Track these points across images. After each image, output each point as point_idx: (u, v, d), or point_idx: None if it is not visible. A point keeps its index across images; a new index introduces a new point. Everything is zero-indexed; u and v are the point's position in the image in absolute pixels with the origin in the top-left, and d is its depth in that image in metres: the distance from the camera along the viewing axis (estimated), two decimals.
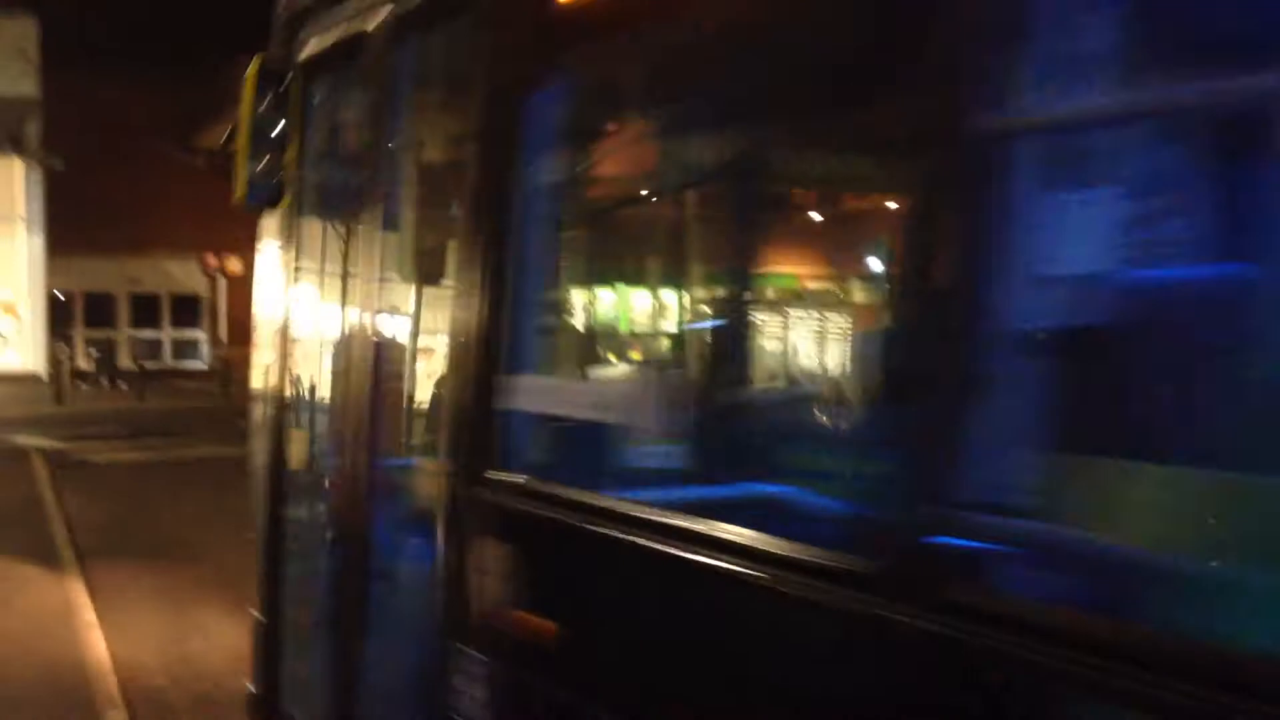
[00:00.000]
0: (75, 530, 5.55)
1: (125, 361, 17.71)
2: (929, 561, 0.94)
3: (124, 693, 3.27)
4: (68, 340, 17.42)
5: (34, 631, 3.71)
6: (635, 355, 2.46)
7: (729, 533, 1.14)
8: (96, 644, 3.68)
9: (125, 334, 19.41)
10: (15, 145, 16.86)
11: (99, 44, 14.31)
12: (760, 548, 1.11)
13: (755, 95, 1.42)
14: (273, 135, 2.19)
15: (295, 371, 2.27)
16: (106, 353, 17.51)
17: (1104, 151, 1.05)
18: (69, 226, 16.11)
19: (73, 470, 7.56)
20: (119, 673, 3.46)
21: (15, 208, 16.76)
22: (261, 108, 2.17)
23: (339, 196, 2.16)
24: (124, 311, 19.79)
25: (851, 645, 1.01)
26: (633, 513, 1.30)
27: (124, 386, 16.14)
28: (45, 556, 4.89)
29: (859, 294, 2.38)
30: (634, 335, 2.59)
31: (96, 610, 4.03)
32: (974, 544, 0.95)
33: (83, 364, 17.17)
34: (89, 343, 18.35)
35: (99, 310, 19.41)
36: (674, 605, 1.24)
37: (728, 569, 1.13)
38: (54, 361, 15.55)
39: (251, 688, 2.36)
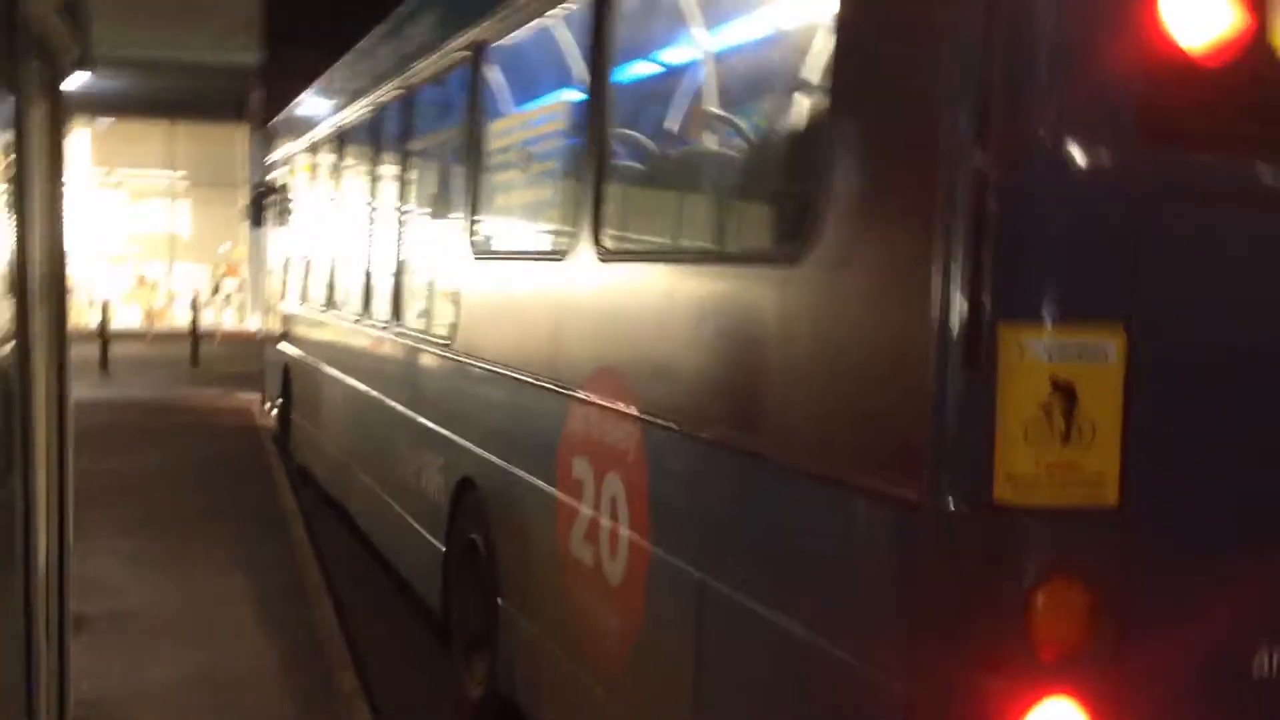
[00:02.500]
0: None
1: None
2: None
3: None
4: None
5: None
6: None
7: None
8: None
9: None
10: (239, 113, 30.12)
11: (316, 14, 25.45)
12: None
13: None
14: (259, 201, 12.57)
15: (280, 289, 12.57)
16: None
17: None
18: None
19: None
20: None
21: (239, 172, 30.03)
22: (258, 193, 12.53)
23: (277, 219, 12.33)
24: None
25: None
26: None
27: None
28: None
29: None
30: None
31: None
32: None
33: None
34: None
35: None
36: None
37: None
38: None
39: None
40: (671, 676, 3.72)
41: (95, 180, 30.75)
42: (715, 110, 3.95)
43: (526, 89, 5.66)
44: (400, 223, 7.61)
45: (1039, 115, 2.45)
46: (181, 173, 31.54)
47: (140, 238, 31.79)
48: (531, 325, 4.98)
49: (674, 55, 4.39)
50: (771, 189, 3.59)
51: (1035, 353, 2.42)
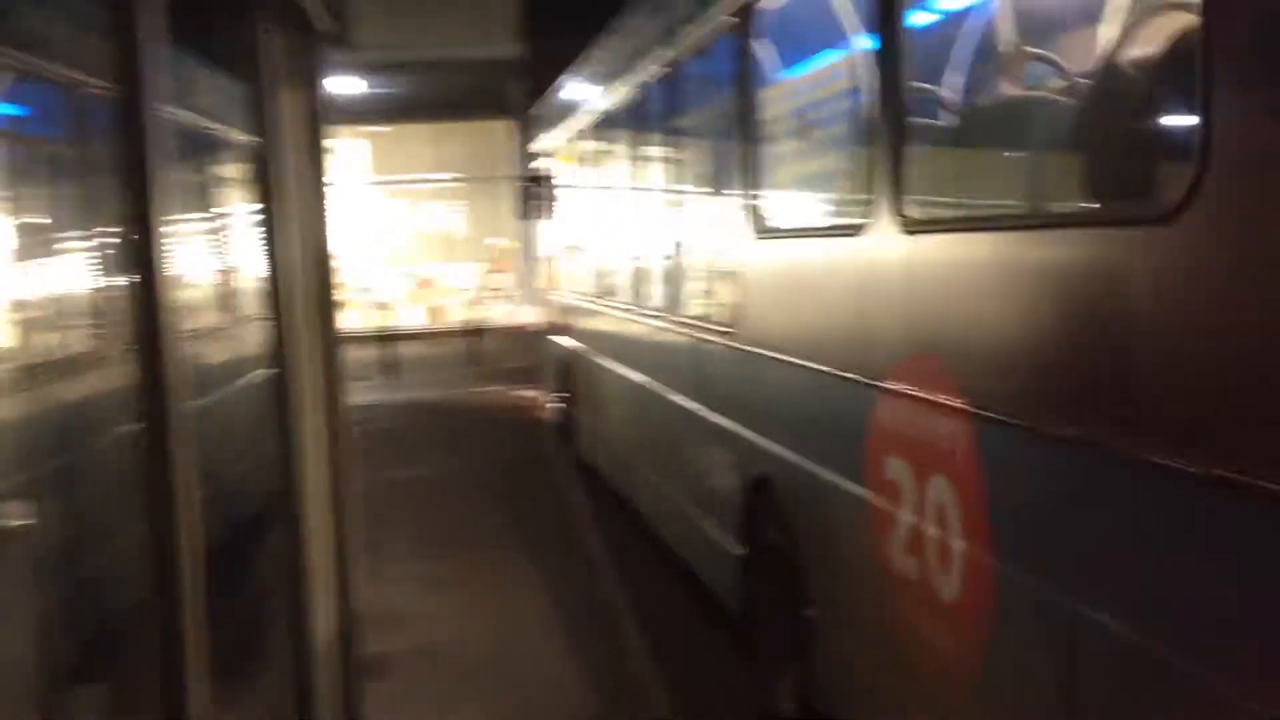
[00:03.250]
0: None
1: None
2: None
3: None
4: None
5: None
6: None
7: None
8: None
9: None
10: (502, 108, 30.68)
11: (574, 2, 25.63)
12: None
13: None
14: (528, 193, 12.44)
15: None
16: None
17: None
18: None
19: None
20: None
21: (506, 167, 30.59)
22: (526, 186, 12.43)
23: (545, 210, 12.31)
24: None
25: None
26: None
27: None
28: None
29: None
30: None
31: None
32: None
33: None
34: None
35: None
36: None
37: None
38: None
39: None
40: (1025, 704, 3.23)
41: (375, 186, 31.98)
42: (1035, 48, 3.40)
43: (803, 50, 5.18)
44: (672, 204, 7.27)
45: None
46: (452, 172, 32.48)
47: (418, 238, 32.91)
48: (825, 308, 4.54)
49: None
50: (1125, 133, 3.03)
51: None
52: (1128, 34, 2.96)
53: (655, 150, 7.87)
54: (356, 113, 29.30)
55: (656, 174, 7.86)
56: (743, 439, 5.64)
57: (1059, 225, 3.10)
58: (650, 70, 7.63)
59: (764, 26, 5.36)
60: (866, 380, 4.07)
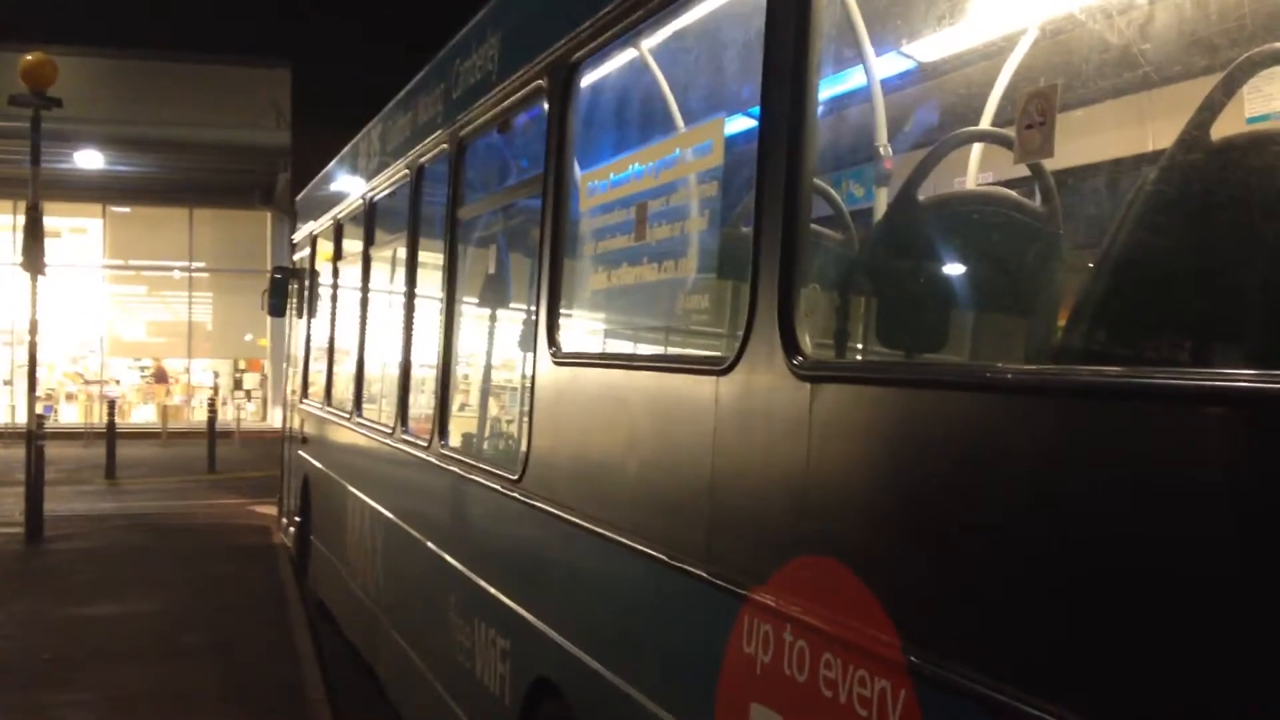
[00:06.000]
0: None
1: None
2: None
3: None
4: None
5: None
6: None
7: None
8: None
9: None
10: (265, 198, 28.82)
11: (348, 95, 23.98)
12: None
13: None
14: (279, 288, 11.00)
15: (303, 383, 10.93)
16: None
17: None
18: None
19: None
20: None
21: (264, 261, 28.64)
22: (277, 279, 10.95)
23: (300, 308, 10.79)
24: None
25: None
26: None
27: None
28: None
29: None
30: None
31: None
32: None
33: None
34: None
35: None
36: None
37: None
38: None
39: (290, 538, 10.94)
40: None
41: (109, 271, 29.58)
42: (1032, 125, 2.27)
43: (645, 119, 3.98)
44: (447, 311, 5.89)
45: None
46: (202, 261, 30.25)
47: (158, 329, 30.46)
48: (659, 470, 3.29)
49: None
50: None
51: None
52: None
53: (429, 244, 6.56)
54: (90, 188, 27.02)
55: (429, 272, 6.53)
56: (523, 624, 4.31)
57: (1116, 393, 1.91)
58: (428, 150, 6.36)
59: (585, 93, 4.17)
60: (721, 583, 2.82)
